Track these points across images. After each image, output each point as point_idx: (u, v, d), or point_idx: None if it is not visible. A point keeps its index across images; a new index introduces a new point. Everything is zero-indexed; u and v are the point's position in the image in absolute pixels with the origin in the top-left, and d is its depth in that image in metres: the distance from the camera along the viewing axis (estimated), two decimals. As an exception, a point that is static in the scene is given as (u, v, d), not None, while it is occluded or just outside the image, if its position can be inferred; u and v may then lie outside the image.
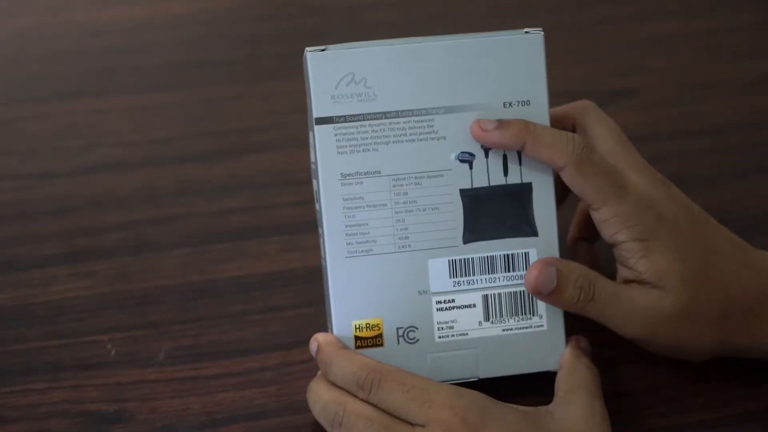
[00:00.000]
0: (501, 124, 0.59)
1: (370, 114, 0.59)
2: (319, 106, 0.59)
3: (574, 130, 0.63)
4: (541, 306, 0.60)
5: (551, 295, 0.58)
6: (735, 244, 0.61)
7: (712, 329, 0.59)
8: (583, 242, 0.68)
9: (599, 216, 0.59)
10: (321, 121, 0.59)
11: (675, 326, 0.58)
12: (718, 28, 0.98)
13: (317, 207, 0.61)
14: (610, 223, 0.59)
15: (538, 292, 0.59)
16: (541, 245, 0.60)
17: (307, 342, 0.60)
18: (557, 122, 0.61)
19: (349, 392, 0.57)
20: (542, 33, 0.60)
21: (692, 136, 0.84)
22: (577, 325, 0.60)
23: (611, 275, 0.60)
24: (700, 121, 0.85)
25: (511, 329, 0.60)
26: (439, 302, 0.60)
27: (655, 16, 1.00)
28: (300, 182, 0.75)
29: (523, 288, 0.60)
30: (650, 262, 0.58)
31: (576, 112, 0.63)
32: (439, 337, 0.60)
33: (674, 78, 0.91)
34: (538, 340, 0.60)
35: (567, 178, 0.59)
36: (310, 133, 0.61)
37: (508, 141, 0.59)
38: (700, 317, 0.58)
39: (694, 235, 0.59)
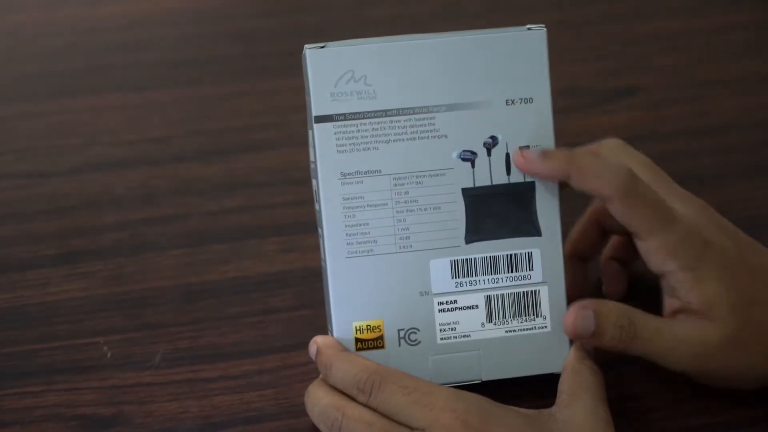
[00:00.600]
0: (545, 154, 0.58)
1: (370, 112, 0.59)
2: (318, 104, 0.59)
3: None
4: (544, 307, 0.60)
5: (592, 338, 0.57)
6: None
7: (766, 356, 0.58)
8: (614, 262, 0.67)
9: (645, 246, 0.58)
10: (320, 119, 0.59)
11: (725, 356, 0.57)
12: (723, 26, 0.97)
13: (317, 207, 0.60)
14: (659, 252, 0.58)
15: (577, 336, 0.58)
16: (545, 245, 0.60)
17: (306, 344, 0.60)
18: None
19: (349, 396, 0.57)
20: (545, 30, 0.60)
21: (695, 135, 0.83)
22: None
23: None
24: (703, 120, 0.85)
25: (514, 331, 0.60)
26: (441, 303, 0.59)
27: (658, 14, 1.00)
28: (299, 181, 0.75)
29: (526, 289, 0.60)
30: (700, 291, 0.57)
31: (605, 153, 0.63)
32: (441, 338, 0.59)
33: (678, 76, 0.91)
34: (542, 341, 0.60)
35: (613, 209, 0.58)
36: (310, 132, 0.60)
37: (551, 172, 0.58)
38: (752, 345, 0.57)
39: (741, 260, 0.58)
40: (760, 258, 0.59)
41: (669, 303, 0.59)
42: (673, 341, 0.57)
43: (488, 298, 0.60)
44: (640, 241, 0.58)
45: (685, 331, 0.57)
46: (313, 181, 0.61)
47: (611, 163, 0.58)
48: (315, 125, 0.59)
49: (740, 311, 0.57)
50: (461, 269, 0.59)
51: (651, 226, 0.57)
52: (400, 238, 0.59)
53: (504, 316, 0.60)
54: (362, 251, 0.59)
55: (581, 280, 0.66)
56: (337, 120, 0.59)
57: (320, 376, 0.59)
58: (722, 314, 0.57)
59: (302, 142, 0.64)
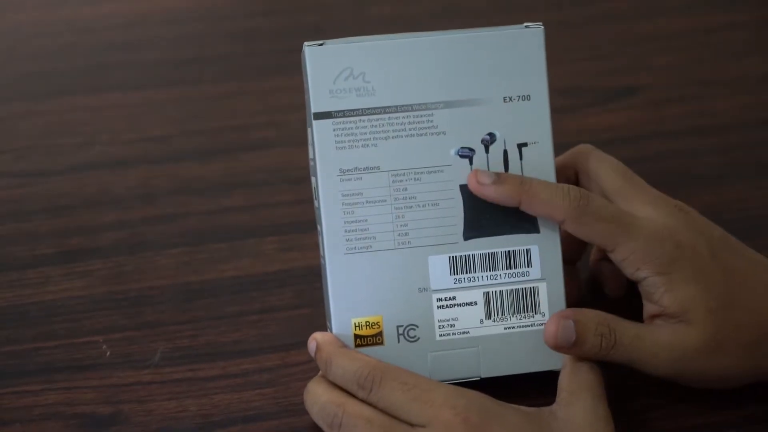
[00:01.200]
0: (497, 179, 0.58)
1: (369, 109, 0.59)
2: (317, 101, 0.59)
3: (577, 177, 0.63)
4: (543, 304, 0.60)
5: (573, 348, 0.57)
6: (760, 265, 0.60)
7: (745, 357, 0.58)
8: (608, 263, 0.67)
9: (615, 257, 0.58)
10: (319, 116, 0.59)
11: (704, 358, 0.57)
12: (723, 25, 0.97)
13: (316, 204, 0.60)
14: (629, 262, 0.58)
15: (558, 347, 0.58)
16: (543, 241, 0.60)
17: (305, 343, 0.60)
18: (560, 172, 0.61)
19: (349, 392, 0.57)
20: (542, 27, 0.60)
21: (695, 135, 0.83)
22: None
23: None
24: (703, 120, 0.85)
25: (513, 327, 0.60)
26: (440, 300, 0.59)
27: (659, 13, 0.99)
28: (298, 180, 0.75)
29: (524, 285, 0.60)
30: (674, 295, 0.57)
31: (576, 159, 0.63)
32: (440, 335, 0.59)
33: (678, 75, 0.90)
34: (541, 338, 0.59)
35: (569, 230, 0.58)
36: (309, 129, 0.60)
37: (503, 198, 0.59)
38: (730, 346, 0.57)
39: (716, 261, 0.58)
40: (737, 259, 0.59)
41: (647, 308, 0.59)
42: (653, 346, 0.57)
43: (487, 295, 0.59)
44: (610, 254, 0.59)
45: (664, 336, 0.57)
46: (312, 179, 0.61)
47: (561, 186, 0.58)
48: (314, 122, 0.59)
49: (717, 313, 0.57)
50: (460, 266, 0.59)
51: (612, 240, 0.58)
52: (399, 235, 0.59)
53: (503, 313, 0.60)
54: (361, 247, 0.59)
55: (575, 282, 0.65)
56: (336, 117, 0.59)
57: (319, 373, 0.59)
58: (699, 317, 0.57)
59: (301, 142, 0.64)
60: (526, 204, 0.58)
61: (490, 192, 0.58)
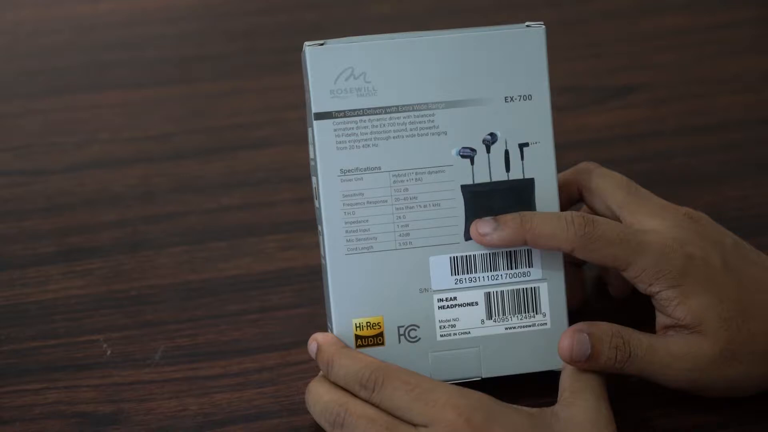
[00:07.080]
0: (497, 225, 0.58)
1: (369, 109, 0.59)
2: (318, 101, 0.59)
3: (581, 195, 0.63)
4: (544, 304, 0.60)
5: (588, 361, 0.57)
6: None
7: (760, 365, 0.57)
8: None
9: (628, 275, 0.58)
10: (320, 116, 0.59)
11: (718, 368, 0.57)
12: (724, 23, 0.97)
13: (316, 204, 0.60)
14: (641, 279, 0.58)
15: (575, 362, 0.57)
16: (545, 242, 0.59)
17: (306, 342, 0.60)
18: (563, 189, 0.61)
19: (351, 392, 0.56)
20: (544, 27, 0.60)
21: (698, 133, 0.83)
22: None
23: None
24: (704, 118, 0.85)
25: (514, 327, 0.60)
26: (441, 300, 0.59)
27: (660, 11, 0.99)
28: (298, 179, 0.75)
29: (525, 285, 0.60)
30: (686, 307, 0.57)
31: (579, 177, 0.63)
32: (441, 335, 0.59)
33: (680, 73, 0.90)
34: (542, 338, 0.60)
35: (579, 257, 0.58)
36: (309, 129, 0.60)
37: (507, 242, 0.58)
38: (745, 355, 0.57)
39: (728, 271, 0.58)
40: (750, 267, 0.59)
41: (660, 320, 0.58)
42: (667, 357, 0.57)
43: (488, 295, 0.59)
44: (623, 272, 0.58)
45: (677, 347, 0.57)
46: (313, 179, 0.61)
47: (562, 215, 0.58)
48: (315, 122, 0.59)
49: (730, 323, 0.57)
50: (461, 266, 0.59)
51: (624, 261, 0.57)
52: (400, 235, 0.59)
53: (504, 313, 0.60)
54: (362, 248, 0.59)
55: (579, 284, 0.65)
56: (337, 117, 0.59)
57: (320, 373, 0.59)
58: (712, 327, 0.57)
59: (301, 140, 0.64)
60: (531, 242, 0.58)
61: (493, 240, 0.58)
